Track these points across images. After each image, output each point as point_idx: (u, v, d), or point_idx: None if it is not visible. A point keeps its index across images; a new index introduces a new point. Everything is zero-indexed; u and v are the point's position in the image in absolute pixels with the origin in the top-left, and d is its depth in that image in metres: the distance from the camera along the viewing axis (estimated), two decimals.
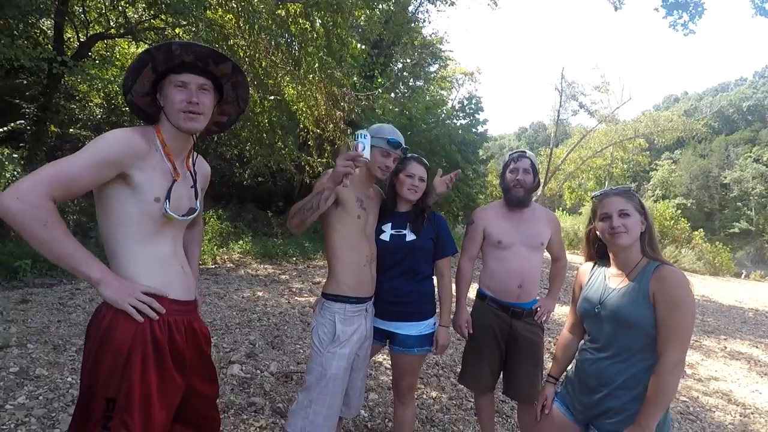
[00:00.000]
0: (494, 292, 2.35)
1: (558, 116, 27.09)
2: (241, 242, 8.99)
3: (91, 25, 9.10)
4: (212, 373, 1.53)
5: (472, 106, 11.97)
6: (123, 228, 1.29)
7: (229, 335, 4.06)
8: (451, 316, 2.28)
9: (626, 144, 30.09)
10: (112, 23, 8.58)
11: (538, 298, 2.40)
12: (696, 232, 30.25)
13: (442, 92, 19.84)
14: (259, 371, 3.35)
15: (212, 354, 3.45)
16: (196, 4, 6.29)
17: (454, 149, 10.88)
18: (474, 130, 12.12)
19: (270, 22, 7.27)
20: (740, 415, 3.74)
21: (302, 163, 10.56)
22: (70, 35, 9.09)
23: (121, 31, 8.40)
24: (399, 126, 10.78)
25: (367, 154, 1.67)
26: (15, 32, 6.39)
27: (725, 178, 49.89)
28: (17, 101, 8.77)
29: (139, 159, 1.27)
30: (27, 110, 8.63)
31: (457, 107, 12.68)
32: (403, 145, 2.02)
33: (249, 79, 6.73)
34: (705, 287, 15.70)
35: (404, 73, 16.37)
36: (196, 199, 1.48)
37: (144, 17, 8.44)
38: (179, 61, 1.34)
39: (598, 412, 1.57)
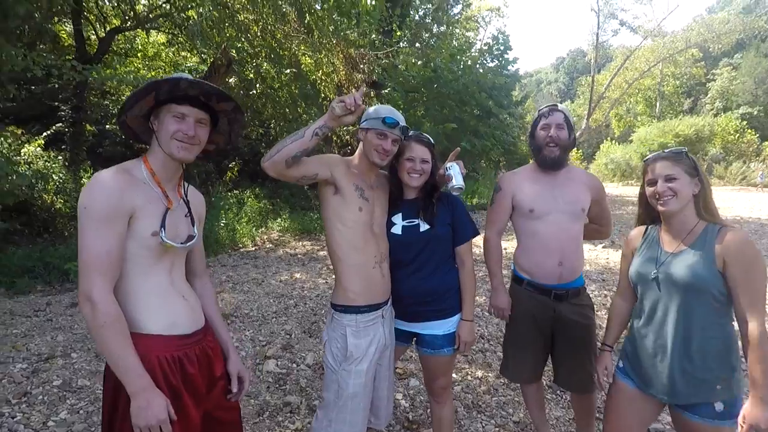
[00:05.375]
0: (531, 274, 2.12)
1: (597, 39, 24.96)
2: (279, 220, 9.12)
3: (108, 19, 9.14)
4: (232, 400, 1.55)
5: (500, 46, 11.15)
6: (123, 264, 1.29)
7: (266, 326, 4.11)
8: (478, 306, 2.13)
9: (677, 58, 27.54)
10: (127, 16, 8.54)
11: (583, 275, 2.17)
12: (766, 143, 27.54)
13: (469, 34, 18.64)
14: (294, 365, 3.36)
15: (248, 349, 3.59)
16: None
17: (485, 96, 10.30)
18: (504, 71, 11.37)
19: None
20: None
21: (329, 134, 10.40)
22: (91, 32, 9.21)
23: (134, 23, 8.36)
24: (424, 79, 10.36)
25: (458, 182, 1.83)
26: (25, 40, 6.50)
27: None
28: (56, 104, 9.10)
29: (132, 197, 1.27)
30: (63, 112, 8.94)
31: (483, 49, 11.86)
32: (402, 124, 1.80)
33: (264, 54, 6.62)
34: None
35: (426, 20, 15.46)
36: (194, 226, 1.46)
37: (155, 4, 8.35)
38: (183, 94, 1.33)
39: (677, 389, 1.50)
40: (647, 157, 1.65)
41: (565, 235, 2.05)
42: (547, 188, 2.09)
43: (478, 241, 2.20)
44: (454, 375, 3.15)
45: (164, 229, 1.31)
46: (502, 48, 11.25)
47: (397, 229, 1.90)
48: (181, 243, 1.38)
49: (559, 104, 2.16)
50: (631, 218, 9.90)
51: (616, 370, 1.76)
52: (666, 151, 1.60)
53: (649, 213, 1.70)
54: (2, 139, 5.98)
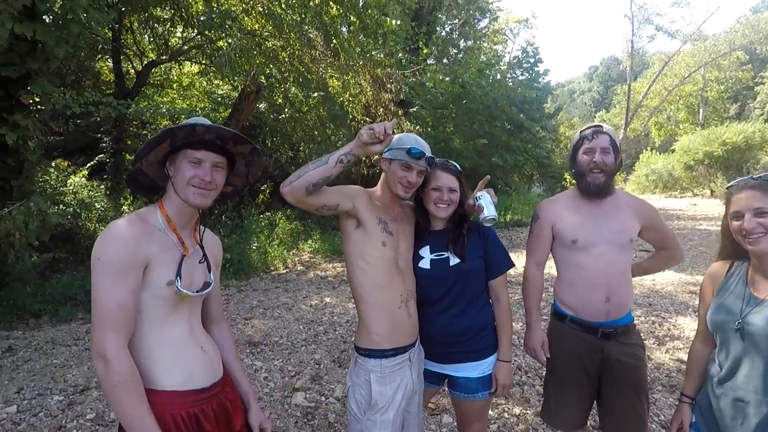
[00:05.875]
0: (575, 310, 1.93)
1: (632, 46, 24.23)
2: (310, 241, 9.13)
3: (145, 53, 9.61)
4: None
5: (529, 58, 10.95)
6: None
7: (295, 355, 4.03)
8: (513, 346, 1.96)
9: (720, 61, 26.36)
10: (161, 50, 8.95)
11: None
12: None
13: (497, 47, 18.55)
14: (323, 398, 3.25)
15: (277, 380, 3.49)
16: (224, 18, 6.32)
17: (515, 110, 10.09)
18: (535, 84, 11.13)
19: (298, 17, 7.11)
20: None
21: (354, 161, 10.46)
22: (130, 67, 9.71)
23: (169, 56, 8.75)
24: (453, 96, 10.26)
25: (490, 213, 1.69)
26: (69, 80, 6.88)
27: None
28: (99, 136, 9.58)
29: (148, 246, 1.25)
30: (105, 144, 9.39)
31: (513, 63, 11.69)
32: (428, 155, 1.69)
33: (293, 78, 6.83)
34: None
35: (453, 36, 15.48)
36: (210, 272, 1.42)
37: (188, 36, 8.73)
38: (199, 139, 1.30)
39: None
40: (731, 184, 1.39)
41: (613, 268, 1.87)
42: (591, 217, 1.91)
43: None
44: (489, 412, 2.95)
45: (180, 278, 1.27)
46: (531, 60, 11.06)
47: (425, 263, 1.77)
48: (197, 291, 1.33)
49: (603, 125, 1.96)
50: (678, 234, 9.35)
51: (691, 425, 1.55)
52: (756, 177, 1.33)
53: (735, 248, 1.43)
54: (47, 175, 6.26)
